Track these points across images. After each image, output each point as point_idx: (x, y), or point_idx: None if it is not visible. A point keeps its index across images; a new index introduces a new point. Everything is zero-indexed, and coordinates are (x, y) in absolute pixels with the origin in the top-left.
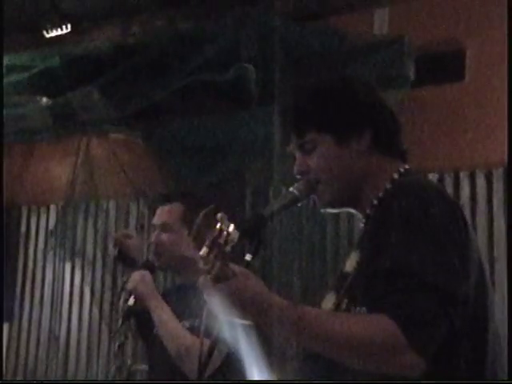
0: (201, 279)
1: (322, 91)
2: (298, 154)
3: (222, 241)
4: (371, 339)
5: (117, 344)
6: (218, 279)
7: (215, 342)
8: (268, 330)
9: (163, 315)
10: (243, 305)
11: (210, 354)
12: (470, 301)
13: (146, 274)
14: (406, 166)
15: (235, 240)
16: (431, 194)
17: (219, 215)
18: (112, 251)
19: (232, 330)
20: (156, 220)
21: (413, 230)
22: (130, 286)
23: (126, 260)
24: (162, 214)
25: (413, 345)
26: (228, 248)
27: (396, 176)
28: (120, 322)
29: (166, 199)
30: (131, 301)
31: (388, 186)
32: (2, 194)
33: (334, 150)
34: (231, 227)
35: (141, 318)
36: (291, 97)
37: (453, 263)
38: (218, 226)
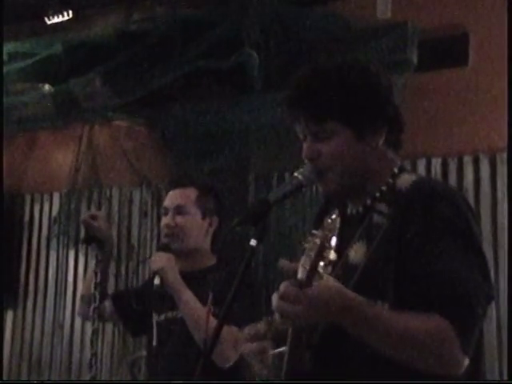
0: (286, 284)
1: (348, 81)
2: (308, 139)
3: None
4: (432, 338)
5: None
6: (304, 284)
7: (222, 322)
8: (348, 328)
9: (188, 298)
10: (329, 307)
11: (217, 334)
12: None
13: (171, 256)
14: (399, 160)
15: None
16: (458, 196)
17: (331, 221)
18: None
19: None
20: (169, 203)
21: (455, 233)
22: (155, 266)
23: (92, 241)
24: (175, 196)
25: (463, 346)
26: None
27: (396, 170)
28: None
29: (180, 183)
30: (157, 280)
31: (390, 180)
32: (1, 183)
33: (351, 142)
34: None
35: (123, 304)
36: (313, 82)
37: (486, 261)
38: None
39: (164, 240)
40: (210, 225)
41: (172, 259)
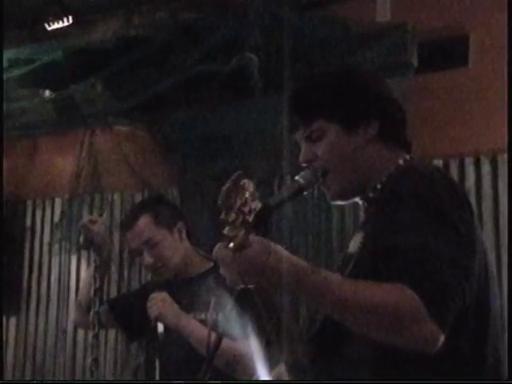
0: (218, 247)
1: (331, 80)
2: (304, 143)
3: (246, 209)
4: (393, 307)
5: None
6: (238, 249)
7: (222, 335)
8: (288, 294)
9: (195, 331)
10: (260, 270)
11: (217, 346)
12: (476, 279)
13: (164, 295)
14: (410, 155)
15: (257, 209)
16: (436, 175)
17: (246, 182)
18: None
19: (239, 318)
20: (135, 244)
21: (424, 207)
22: (154, 313)
23: (90, 246)
24: (136, 235)
25: (433, 315)
26: (251, 217)
27: (401, 162)
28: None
29: (129, 222)
30: (161, 328)
31: (392, 170)
32: (1, 189)
33: (342, 139)
34: (256, 196)
35: (120, 309)
36: (299, 84)
37: (464, 238)
38: (246, 193)
39: (154, 277)
40: (180, 231)
41: (166, 299)
